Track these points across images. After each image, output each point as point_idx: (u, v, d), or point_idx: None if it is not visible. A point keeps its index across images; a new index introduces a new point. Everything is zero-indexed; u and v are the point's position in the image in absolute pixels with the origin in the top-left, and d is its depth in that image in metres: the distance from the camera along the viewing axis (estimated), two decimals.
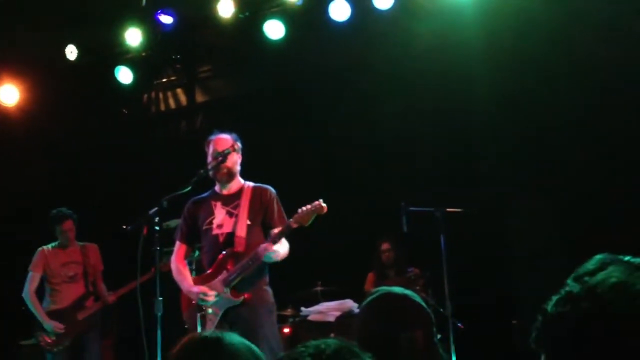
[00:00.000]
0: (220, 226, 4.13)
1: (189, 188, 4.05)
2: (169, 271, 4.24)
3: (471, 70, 6.05)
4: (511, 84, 5.99)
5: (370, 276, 6.23)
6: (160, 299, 3.81)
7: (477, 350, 5.57)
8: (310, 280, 6.09)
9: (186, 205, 4.33)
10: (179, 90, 7.85)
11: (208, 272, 4.12)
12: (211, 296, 4.01)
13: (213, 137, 4.27)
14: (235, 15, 6.46)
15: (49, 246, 5.89)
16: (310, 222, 3.94)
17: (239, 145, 4.21)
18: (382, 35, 6.44)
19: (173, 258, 4.29)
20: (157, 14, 6.62)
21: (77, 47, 6.95)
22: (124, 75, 7.14)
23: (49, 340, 5.62)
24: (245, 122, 6.89)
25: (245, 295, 4.01)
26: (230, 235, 4.08)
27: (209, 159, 4.21)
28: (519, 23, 5.96)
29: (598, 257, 1.64)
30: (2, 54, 6.99)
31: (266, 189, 4.26)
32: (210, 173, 4.18)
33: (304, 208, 3.93)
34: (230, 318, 4.01)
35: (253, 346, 1.86)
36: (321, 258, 6.16)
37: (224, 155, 4.14)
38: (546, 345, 1.18)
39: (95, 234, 6.13)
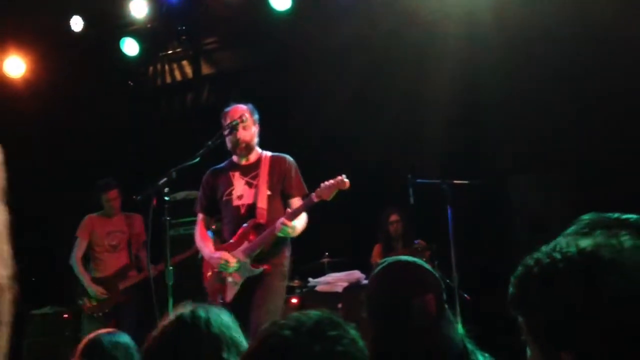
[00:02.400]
0: (240, 197, 4.12)
1: (197, 159, 4.04)
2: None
3: (479, 42, 5.99)
4: (519, 55, 5.94)
5: (377, 248, 6.26)
6: (171, 268, 3.84)
7: (483, 321, 5.61)
8: (318, 252, 6.12)
9: (204, 176, 4.32)
10: (184, 62, 7.81)
11: (231, 241, 4.11)
12: (232, 263, 4.02)
13: (229, 109, 4.24)
14: None
15: (97, 214, 5.98)
16: (331, 196, 3.90)
17: (247, 116, 4.17)
18: (389, 5, 6.37)
19: (196, 229, 4.31)
20: None
21: (83, 19, 6.92)
22: (130, 46, 7.11)
23: (90, 305, 5.72)
24: (251, 94, 6.85)
25: (265, 267, 4.02)
26: (252, 206, 4.08)
27: (226, 131, 4.16)
28: None
29: (585, 217, 1.65)
30: (8, 26, 6.95)
31: (284, 158, 4.24)
32: (228, 145, 4.17)
33: (326, 182, 3.90)
34: (250, 287, 4.02)
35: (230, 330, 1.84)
36: (328, 230, 6.19)
37: (231, 128, 4.12)
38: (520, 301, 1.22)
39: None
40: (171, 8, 6.89)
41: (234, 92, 6.90)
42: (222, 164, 4.32)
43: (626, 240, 1.18)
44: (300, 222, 4.06)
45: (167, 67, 7.87)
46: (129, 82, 7.82)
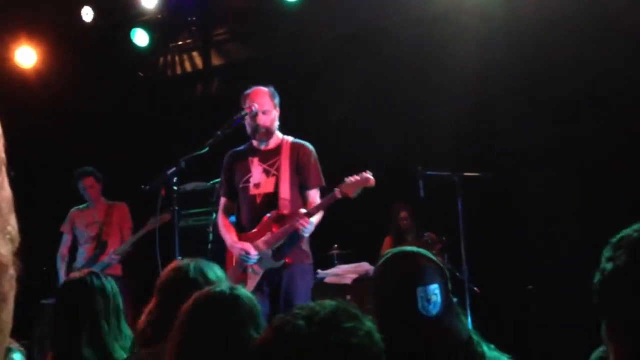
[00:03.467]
0: (257, 185, 4.04)
1: (206, 149, 4.00)
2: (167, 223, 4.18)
3: (490, 34, 5.94)
4: (532, 49, 5.88)
5: (387, 240, 6.25)
6: (179, 258, 3.82)
7: (493, 315, 5.59)
8: (327, 244, 6.11)
9: (225, 159, 4.25)
10: (194, 53, 7.79)
11: (253, 231, 4.05)
12: (254, 254, 3.96)
13: (250, 92, 4.15)
14: None
15: (79, 207, 5.99)
16: (356, 194, 3.80)
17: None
18: None
19: (218, 215, 4.26)
20: None
21: (93, 9, 6.92)
22: (140, 37, 7.11)
23: None
24: (261, 85, 6.83)
25: (287, 259, 3.96)
26: (270, 196, 4.00)
27: (247, 115, 4.07)
28: None
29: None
30: (19, 17, 6.96)
31: (305, 146, 4.14)
32: (248, 131, 4.09)
33: (351, 178, 3.78)
34: (270, 279, 3.99)
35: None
36: (337, 221, 6.16)
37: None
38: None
39: (113, 196, 6.17)
40: None
41: (244, 83, 6.90)
42: (242, 147, 4.23)
43: None
44: (316, 218, 3.99)
45: (177, 57, 7.85)
46: (139, 73, 7.81)
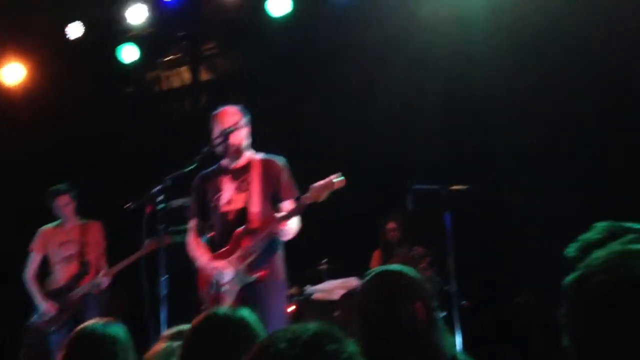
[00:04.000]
0: (229, 202, 4.07)
1: (194, 166, 3.98)
2: (172, 247, 4.18)
3: (476, 48, 5.98)
4: (515, 60, 5.93)
5: (376, 254, 6.24)
6: (165, 277, 3.80)
7: (482, 328, 5.59)
8: (316, 259, 6.10)
9: (194, 181, 4.26)
10: (183, 68, 7.81)
11: (224, 249, 4.05)
12: (228, 273, 3.97)
13: (219, 111, 4.17)
14: None
15: (50, 225, 5.83)
16: (324, 197, 3.82)
17: (243, 122, 4.13)
18: (388, 11, 6.37)
19: (189, 237, 4.24)
20: None
21: (81, 25, 6.92)
22: (128, 53, 7.11)
23: (42, 322, 5.56)
24: (250, 99, 6.85)
25: (261, 273, 3.96)
26: (241, 212, 4.01)
27: (216, 134, 4.10)
28: None
29: (602, 226, 1.65)
30: (7, 32, 6.95)
31: (275, 161, 4.16)
32: (218, 149, 4.10)
33: (316, 184, 3.81)
34: (243, 294, 3.98)
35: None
36: (326, 236, 6.17)
37: (226, 134, 4.07)
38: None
39: (100, 213, 6.13)
40: (170, 14, 6.89)
41: (233, 98, 6.91)
42: (211, 168, 4.25)
43: None
44: (293, 225, 4.00)
45: (165, 73, 7.87)
46: (128, 89, 7.81)
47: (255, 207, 4.00)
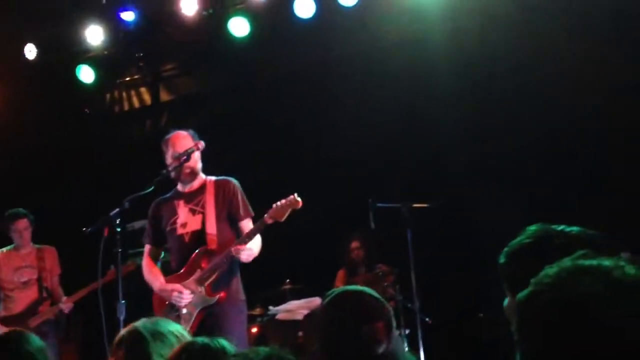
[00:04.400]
0: (184, 225, 4.06)
1: (152, 188, 3.97)
2: (133, 272, 4.15)
3: (436, 66, 6.08)
4: (476, 79, 6.05)
5: (340, 273, 6.23)
6: (123, 302, 3.73)
7: (446, 345, 5.61)
8: (279, 279, 6.06)
9: (150, 207, 4.25)
10: (143, 89, 7.73)
11: (181, 272, 4.03)
12: (186, 295, 3.93)
13: (170, 136, 4.19)
14: (199, 12, 6.39)
15: (3, 250, 5.67)
16: (285, 217, 3.88)
17: (202, 144, 4.13)
18: (347, 33, 6.44)
19: (143, 261, 4.23)
20: (119, 11, 6.51)
21: (37, 46, 6.81)
22: (86, 74, 7.02)
23: None
24: (211, 120, 6.83)
25: (221, 294, 3.95)
26: (198, 233, 4.01)
27: (169, 159, 4.12)
28: (483, 18, 6.03)
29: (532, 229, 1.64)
30: None
31: (228, 181, 4.18)
32: (172, 174, 4.10)
33: (278, 203, 3.86)
34: (203, 317, 3.95)
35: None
36: (289, 256, 6.14)
37: (187, 155, 4.06)
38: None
39: (57, 236, 6.00)
40: (128, 34, 6.83)
41: (193, 119, 6.87)
42: (168, 194, 4.25)
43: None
44: (256, 245, 4.01)
45: (125, 93, 7.78)
46: (85, 110, 7.70)
47: (212, 229, 4.01)
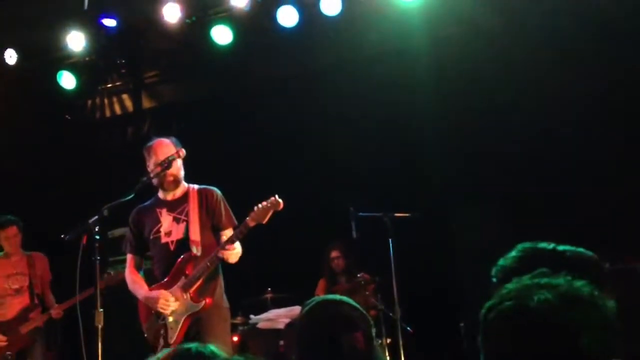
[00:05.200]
0: (168, 234, 4.05)
1: (132, 196, 3.94)
2: (118, 283, 4.10)
3: (418, 76, 6.12)
4: (456, 90, 6.10)
5: (321, 282, 6.22)
6: (101, 310, 3.69)
7: (427, 354, 5.62)
8: (260, 288, 6.04)
9: (130, 215, 4.23)
10: (124, 96, 7.69)
11: (165, 280, 4.01)
12: (172, 303, 3.92)
13: (152, 144, 4.17)
14: (182, 19, 6.38)
15: None
16: (267, 219, 3.89)
17: (183, 151, 4.12)
18: (330, 41, 6.47)
19: (126, 271, 4.21)
20: (101, 17, 6.47)
21: (17, 51, 6.74)
22: (67, 80, 6.96)
23: None
24: (193, 127, 6.80)
25: (207, 300, 3.94)
26: (182, 242, 4.00)
27: (150, 166, 4.10)
28: (464, 29, 6.09)
29: (520, 249, 1.72)
30: None
31: (212, 191, 4.18)
32: (154, 181, 4.08)
33: (260, 205, 3.88)
34: (187, 324, 3.93)
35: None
36: (271, 265, 6.12)
37: (169, 163, 4.04)
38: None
39: (37, 243, 5.94)
40: (110, 41, 6.79)
41: (175, 126, 6.85)
42: (148, 202, 4.23)
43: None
44: (238, 247, 4.00)
45: (106, 100, 7.74)
46: (66, 116, 7.63)
47: (195, 235, 4.00)
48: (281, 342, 5.23)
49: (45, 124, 7.43)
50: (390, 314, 5.33)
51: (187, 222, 4.03)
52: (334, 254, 6.16)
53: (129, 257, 4.23)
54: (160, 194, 4.19)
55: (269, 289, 5.99)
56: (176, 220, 4.07)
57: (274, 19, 6.17)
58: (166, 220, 4.08)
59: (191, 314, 3.94)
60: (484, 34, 6.00)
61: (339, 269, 6.18)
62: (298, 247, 6.17)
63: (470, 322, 5.67)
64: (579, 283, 1.21)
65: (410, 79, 6.16)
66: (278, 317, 5.40)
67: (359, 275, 5.86)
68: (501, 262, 1.77)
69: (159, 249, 4.06)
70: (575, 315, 1.15)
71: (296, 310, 5.38)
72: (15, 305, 5.57)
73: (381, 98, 6.31)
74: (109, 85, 7.62)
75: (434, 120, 6.17)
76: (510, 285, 1.24)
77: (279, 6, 6.14)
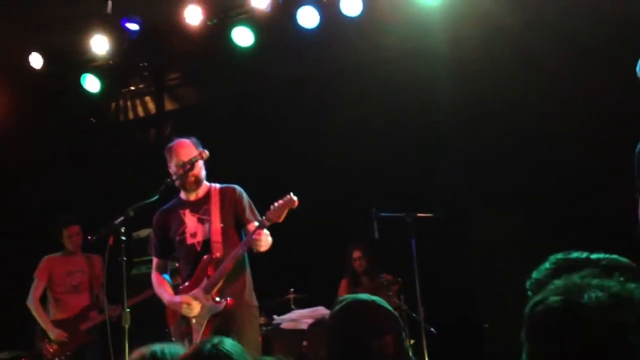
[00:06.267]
0: (194, 235, 4.05)
1: (156, 197, 3.96)
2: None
3: (438, 76, 6.10)
4: (476, 90, 6.06)
5: (344, 283, 6.22)
6: (128, 310, 3.73)
7: (450, 355, 5.59)
8: (283, 288, 6.05)
9: (154, 218, 4.24)
10: (147, 98, 7.77)
11: (189, 282, 4.03)
12: (195, 306, 3.93)
13: (173, 144, 4.17)
14: (204, 22, 6.42)
15: (56, 254, 5.82)
16: (283, 217, 3.86)
17: (206, 153, 4.12)
18: (351, 42, 6.46)
19: (152, 274, 4.23)
20: (124, 21, 6.53)
21: (42, 55, 6.84)
22: (91, 83, 7.05)
23: (51, 349, 5.54)
24: (215, 129, 6.84)
25: (228, 301, 3.93)
26: (207, 243, 4.01)
27: (172, 167, 4.11)
28: (484, 30, 6.06)
29: (552, 262, 1.72)
30: None
31: (233, 188, 4.18)
32: (177, 182, 4.09)
33: (275, 204, 3.85)
34: (214, 324, 3.94)
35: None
36: (293, 265, 6.13)
37: (191, 164, 4.05)
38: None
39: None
40: (133, 44, 6.86)
41: (197, 128, 6.89)
42: (170, 203, 4.23)
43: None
44: (268, 237, 3.95)
45: (129, 103, 7.82)
46: (91, 119, 7.73)
47: (217, 236, 4.00)
48: (304, 343, 5.22)
49: (70, 127, 7.52)
50: (414, 315, 5.32)
51: (210, 222, 4.03)
52: (356, 254, 6.16)
53: (154, 260, 4.25)
54: (183, 195, 4.20)
55: (292, 289, 6.00)
56: (200, 221, 4.08)
57: (294, 20, 6.19)
58: (190, 221, 4.09)
59: (215, 315, 3.94)
60: (503, 34, 5.97)
61: (361, 269, 6.18)
62: (320, 248, 6.18)
63: (494, 323, 5.63)
64: (631, 285, 1.21)
65: (430, 79, 6.14)
66: (301, 317, 5.41)
67: (381, 276, 5.85)
68: (535, 275, 1.76)
69: (186, 250, 4.07)
70: (626, 315, 1.15)
71: (319, 310, 5.39)
72: (75, 303, 5.72)
73: (401, 98, 6.30)
74: (132, 88, 7.70)
75: (455, 120, 6.14)
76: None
77: (299, 7, 6.15)
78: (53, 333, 5.54)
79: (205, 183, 4.19)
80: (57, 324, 5.62)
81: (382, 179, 6.31)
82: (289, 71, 6.78)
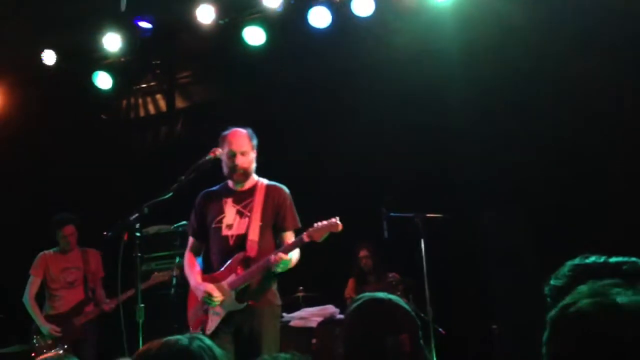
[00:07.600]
0: (230, 227, 3.98)
1: (170, 194, 3.96)
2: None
3: (450, 77, 6.10)
4: (488, 92, 6.06)
5: (351, 282, 6.24)
6: (142, 305, 3.75)
7: (458, 355, 5.60)
8: (292, 286, 6.07)
9: (197, 198, 4.17)
10: (158, 96, 7.80)
11: (219, 272, 3.98)
12: (217, 297, 3.89)
13: (228, 133, 4.10)
14: (215, 21, 6.45)
15: (50, 251, 5.90)
16: (323, 238, 3.81)
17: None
18: (362, 42, 6.47)
19: (185, 254, 4.17)
20: (136, 19, 6.57)
21: (55, 52, 6.89)
22: (103, 80, 7.09)
23: (44, 344, 5.61)
24: (224, 128, 6.85)
25: (250, 302, 3.90)
26: (242, 238, 3.94)
27: (223, 156, 4.04)
28: (497, 30, 6.05)
29: (570, 268, 1.71)
30: None
31: (281, 189, 4.10)
32: (225, 172, 4.04)
33: (319, 223, 3.79)
34: (235, 321, 3.92)
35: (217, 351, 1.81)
36: (302, 264, 6.14)
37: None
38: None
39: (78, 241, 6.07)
40: (145, 42, 6.89)
41: (208, 126, 6.92)
42: (216, 187, 4.17)
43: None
44: (294, 255, 3.94)
45: (141, 100, 7.86)
46: (102, 116, 7.78)
47: (254, 236, 3.93)
48: (313, 341, 5.25)
49: (82, 123, 7.57)
50: (422, 315, 5.33)
51: (250, 218, 3.96)
52: (362, 253, 6.19)
53: (190, 239, 4.18)
54: (230, 183, 4.12)
55: (301, 287, 6.03)
56: (239, 213, 4.00)
57: (306, 20, 6.20)
58: (230, 212, 4.02)
59: (233, 312, 3.91)
60: (515, 34, 5.96)
61: (368, 268, 6.21)
62: (330, 247, 6.17)
63: (502, 324, 5.64)
64: None
65: (441, 80, 6.15)
66: (310, 315, 5.43)
67: (390, 275, 5.87)
68: (552, 281, 1.76)
69: (219, 240, 4.00)
70: None
71: (329, 309, 5.42)
72: (70, 299, 5.78)
73: (413, 99, 6.31)
74: (144, 86, 7.73)
75: (467, 121, 6.14)
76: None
77: (311, 7, 6.17)
78: (45, 328, 5.62)
79: (254, 177, 4.12)
80: (52, 319, 5.69)
81: (392, 180, 6.32)
82: (300, 71, 6.80)
